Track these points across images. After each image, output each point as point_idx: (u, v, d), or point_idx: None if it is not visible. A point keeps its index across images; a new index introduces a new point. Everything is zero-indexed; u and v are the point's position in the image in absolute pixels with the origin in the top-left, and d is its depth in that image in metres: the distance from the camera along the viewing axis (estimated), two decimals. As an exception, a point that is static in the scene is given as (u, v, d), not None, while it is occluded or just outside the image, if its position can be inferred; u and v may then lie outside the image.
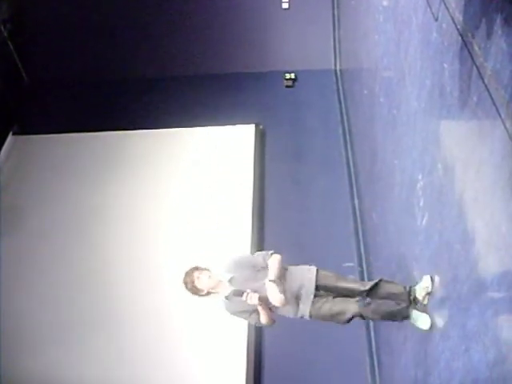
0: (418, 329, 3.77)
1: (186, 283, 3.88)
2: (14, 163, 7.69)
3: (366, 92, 6.09)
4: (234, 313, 3.89)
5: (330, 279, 3.82)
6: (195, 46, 8.72)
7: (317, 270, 3.85)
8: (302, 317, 3.83)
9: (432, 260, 3.41)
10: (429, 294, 3.43)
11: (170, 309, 6.25)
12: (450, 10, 2.79)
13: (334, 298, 3.79)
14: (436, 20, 3.08)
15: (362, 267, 6.50)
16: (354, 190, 7.23)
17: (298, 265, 3.94)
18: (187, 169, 7.43)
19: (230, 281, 3.83)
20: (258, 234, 6.91)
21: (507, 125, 2.10)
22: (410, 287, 3.67)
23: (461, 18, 2.63)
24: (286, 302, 3.69)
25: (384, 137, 5.10)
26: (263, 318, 3.78)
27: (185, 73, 8.75)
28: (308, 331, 6.04)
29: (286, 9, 8.56)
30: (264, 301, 3.69)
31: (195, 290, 3.87)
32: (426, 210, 3.57)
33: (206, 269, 3.91)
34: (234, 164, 7.43)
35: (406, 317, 3.67)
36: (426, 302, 3.49)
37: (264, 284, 3.69)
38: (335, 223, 7.13)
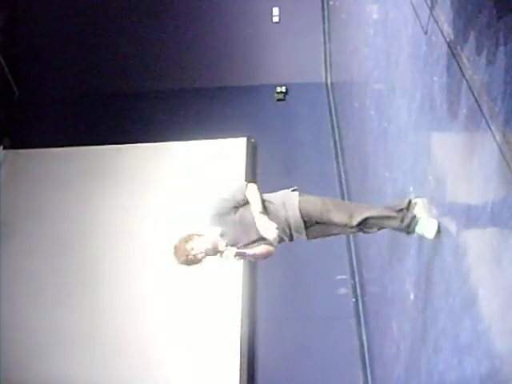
0: (410, 341, 3.75)
1: (182, 260, 3.54)
2: (4, 177, 7.65)
3: (356, 105, 6.12)
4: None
5: (315, 212, 3.48)
6: (186, 60, 8.74)
7: (299, 201, 3.51)
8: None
9: (423, 272, 3.41)
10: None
11: (163, 312, 6.40)
12: (439, 24, 2.81)
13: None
14: (425, 33, 3.10)
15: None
16: (346, 202, 7.23)
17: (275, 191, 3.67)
18: (179, 182, 7.41)
19: (221, 235, 3.56)
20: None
21: (497, 137, 2.11)
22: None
23: (450, 31, 2.65)
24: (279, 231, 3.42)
25: (375, 149, 5.11)
26: (259, 255, 3.54)
27: (176, 87, 8.76)
28: (300, 338, 6.08)
29: (276, 22, 8.60)
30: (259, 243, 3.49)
31: (195, 261, 3.54)
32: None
33: (193, 235, 3.59)
34: (225, 177, 7.40)
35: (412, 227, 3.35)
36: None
37: (254, 225, 3.43)
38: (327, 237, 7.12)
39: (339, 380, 6.09)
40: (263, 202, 3.50)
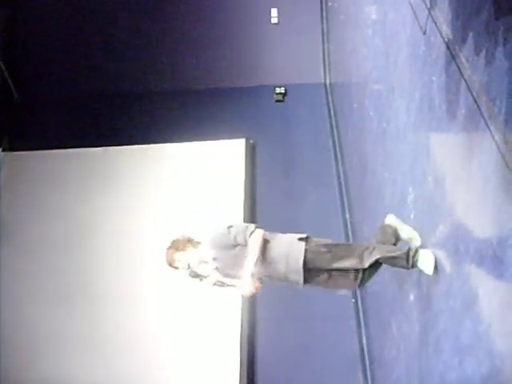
0: (410, 341, 3.75)
1: (167, 262, 3.68)
2: (4, 179, 7.65)
3: (355, 105, 6.12)
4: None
5: (322, 262, 3.46)
6: (185, 62, 8.73)
7: (305, 249, 3.47)
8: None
9: (424, 274, 3.40)
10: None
11: (163, 312, 6.42)
12: (438, 24, 2.81)
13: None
14: (424, 33, 3.10)
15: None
16: (345, 203, 7.23)
17: (283, 233, 3.64)
18: (178, 184, 7.40)
19: (214, 258, 3.61)
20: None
21: (496, 137, 2.11)
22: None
23: (448, 32, 2.65)
24: (258, 290, 3.46)
25: (374, 150, 5.11)
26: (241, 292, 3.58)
27: (174, 87, 8.75)
28: (300, 339, 6.09)
29: (275, 24, 8.60)
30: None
31: (176, 269, 3.67)
32: (418, 223, 3.57)
33: (188, 245, 3.65)
34: (224, 178, 7.41)
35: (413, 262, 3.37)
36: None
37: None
38: (327, 236, 7.09)
39: (339, 381, 6.09)
40: (265, 249, 3.49)
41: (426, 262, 3.23)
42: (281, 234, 3.64)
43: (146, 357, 6.14)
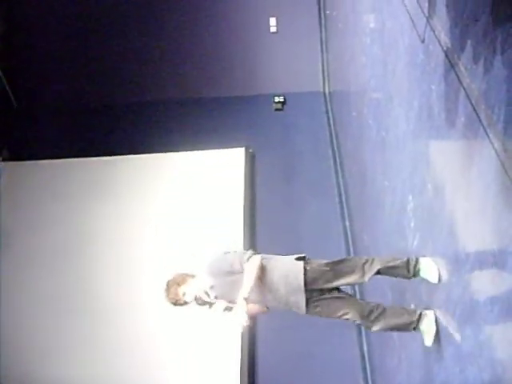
0: (412, 350, 3.74)
1: (171, 301, 3.61)
2: (3, 189, 7.65)
3: (354, 114, 6.13)
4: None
5: (324, 279, 3.42)
6: (184, 71, 8.76)
7: (305, 268, 3.43)
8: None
9: (424, 281, 3.40)
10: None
11: (163, 313, 6.29)
12: (436, 32, 2.81)
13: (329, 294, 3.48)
14: (422, 42, 3.11)
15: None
16: (345, 211, 7.24)
17: (283, 255, 3.60)
18: (177, 193, 7.41)
19: (212, 287, 3.57)
20: (250, 257, 6.89)
21: (495, 145, 2.11)
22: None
23: (447, 40, 2.66)
24: (248, 321, 3.33)
25: (373, 158, 5.11)
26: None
27: (173, 97, 8.77)
28: (301, 345, 6.07)
29: (274, 32, 8.62)
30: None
31: (183, 305, 3.61)
32: (418, 231, 3.57)
33: (187, 277, 3.61)
34: (224, 188, 7.42)
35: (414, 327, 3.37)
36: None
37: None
38: (327, 245, 7.11)
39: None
40: (263, 275, 3.43)
41: (428, 270, 3.22)
42: (279, 257, 3.59)
43: (146, 357, 6.16)
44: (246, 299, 3.33)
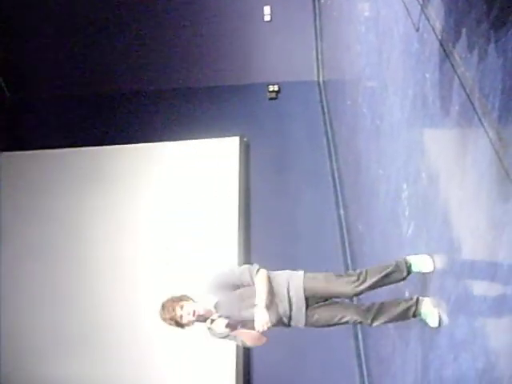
0: (406, 338, 3.76)
1: (165, 319, 3.53)
2: (-1, 179, 7.63)
3: (349, 103, 6.12)
4: (221, 337, 3.62)
5: (319, 288, 3.49)
6: (178, 60, 8.72)
7: (304, 279, 3.53)
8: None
9: (417, 273, 3.41)
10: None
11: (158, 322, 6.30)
12: (431, 21, 2.81)
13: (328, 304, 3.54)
14: (417, 30, 3.10)
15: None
16: (340, 200, 7.24)
17: (282, 270, 3.66)
18: (172, 182, 7.40)
19: (216, 306, 3.53)
20: (245, 246, 6.89)
21: (490, 133, 2.12)
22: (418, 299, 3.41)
23: (441, 28, 2.65)
24: (272, 324, 3.37)
25: (368, 147, 5.12)
26: (247, 340, 3.52)
27: (168, 86, 8.75)
28: (296, 342, 6.05)
29: (268, 21, 8.59)
30: (249, 324, 3.43)
31: (180, 325, 3.52)
32: (412, 220, 3.58)
33: (186, 299, 3.55)
34: (218, 176, 7.41)
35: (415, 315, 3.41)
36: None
37: (251, 306, 3.39)
38: (321, 234, 7.13)
39: (335, 378, 6.08)
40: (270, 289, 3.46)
41: (422, 263, 3.25)
42: (279, 272, 3.63)
43: (144, 358, 6.11)
44: (266, 307, 3.34)
